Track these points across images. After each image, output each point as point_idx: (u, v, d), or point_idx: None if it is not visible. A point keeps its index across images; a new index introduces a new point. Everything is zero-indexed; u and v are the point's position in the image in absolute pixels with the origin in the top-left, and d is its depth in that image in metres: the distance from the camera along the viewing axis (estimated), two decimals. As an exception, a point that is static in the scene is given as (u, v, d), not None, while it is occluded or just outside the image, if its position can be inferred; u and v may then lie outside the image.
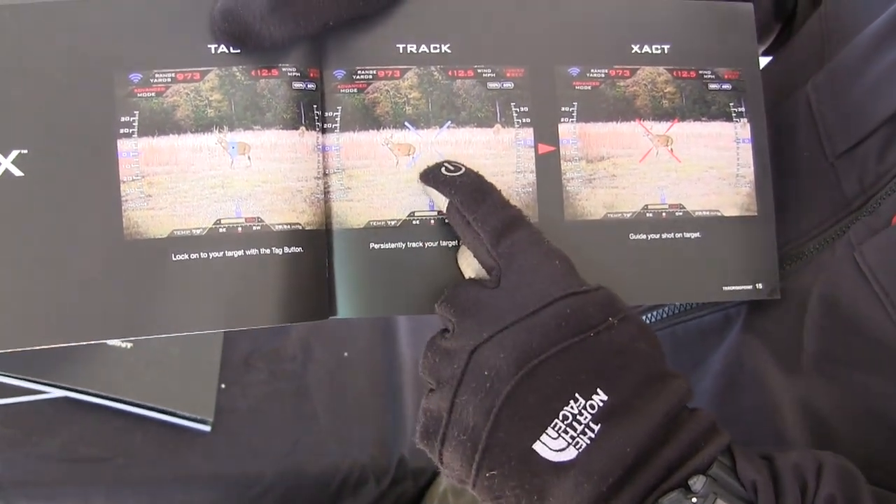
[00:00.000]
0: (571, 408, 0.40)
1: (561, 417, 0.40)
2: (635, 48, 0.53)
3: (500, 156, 0.50)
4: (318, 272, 0.48)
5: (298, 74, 0.48)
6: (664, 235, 0.52)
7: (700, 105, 0.53)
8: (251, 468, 0.85)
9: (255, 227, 0.47)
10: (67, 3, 0.46)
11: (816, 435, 0.52)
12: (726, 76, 0.54)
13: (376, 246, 0.49)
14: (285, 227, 0.47)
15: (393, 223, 0.49)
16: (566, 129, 0.51)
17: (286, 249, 0.47)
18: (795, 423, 0.53)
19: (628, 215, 0.52)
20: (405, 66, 0.50)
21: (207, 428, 0.86)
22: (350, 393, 0.92)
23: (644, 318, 0.65)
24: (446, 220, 0.47)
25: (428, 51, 0.50)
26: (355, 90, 0.49)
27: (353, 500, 0.87)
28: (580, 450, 0.39)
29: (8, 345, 0.45)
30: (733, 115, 0.54)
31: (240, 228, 0.47)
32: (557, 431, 0.40)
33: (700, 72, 0.53)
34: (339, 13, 0.47)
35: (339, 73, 0.49)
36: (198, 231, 0.46)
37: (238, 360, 0.91)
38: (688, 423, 0.41)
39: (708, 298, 0.54)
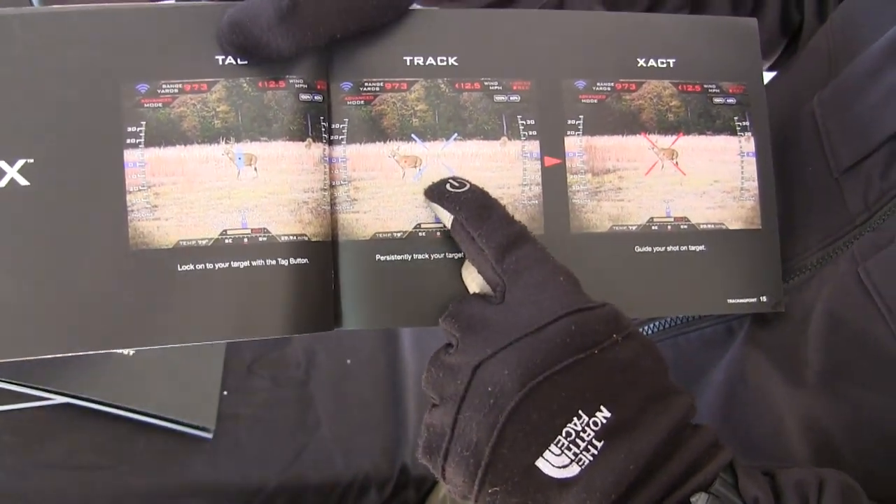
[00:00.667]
0: (575, 425, 0.40)
1: (564, 434, 0.40)
2: (641, 62, 0.53)
3: (507, 168, 0.50)
4: (323, 283, 0.48)
5: (306, 86, 0.48)
6: (669, 248, 0.52)
7: (705, 119, 0.53)
8: (253, 477, 0.85)
9: (261, 238, 0.47)
10: (76, 13, 0.46)
11: (819, 450, 0.52)
12: (731, 90, 0.54)
13: (382, 258, 0.49)
14: (291, 238, 0.47)
15: (399, 235, 0.49)
16: (572, 142, 0.51)
17: (292, 260, 0.47)
18: (798, 437, 0.53)
19: (634, 228, 0.52)
20: (412, 79, 0.50)
21: (209, 436, 0.86)
22: (353, 401, 0.92)
23: (646, 328, 0.65)
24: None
25: (435, 63, 0.50)
26: (362, 102, 0.49)
27: (355, 509, 0.87)
28: (583, 467, 0.39)
29: (14, 354, 0.45)
30: (738, 129, 0.54)
31: (246, 239, 0.47)
32: (561, 448, 0.40)
33: (705, 86, 0.53)
34: (347, 26, 0.47)
35: (347, 86, 0.49)
36: (204, 242, 0.46)
37: (241, 368, 0.91)
38: (690, 440, 0.41)
39: (712, 311, 0.54)
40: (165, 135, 0.46)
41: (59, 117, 0.45)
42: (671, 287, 0.52)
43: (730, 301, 0.53)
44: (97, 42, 0.46)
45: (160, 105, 0.46)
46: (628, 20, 0.54)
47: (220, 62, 0.47)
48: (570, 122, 0.51)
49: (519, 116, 0.51)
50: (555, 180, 0.51)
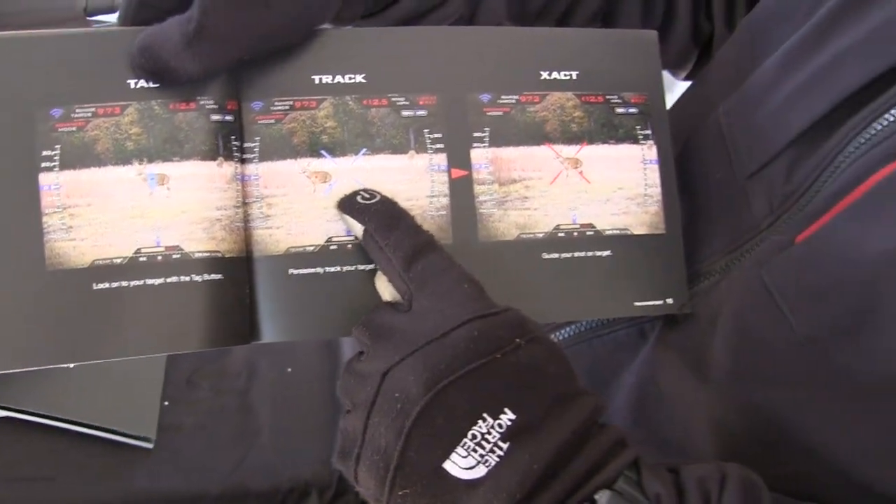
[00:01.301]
0: (480, 427, 0.41)
1: (470, 437, 0.41)
2: (544, 75, 0.55)
3: (415, 181, 0.52)
4: (238, 298, 0.49)
5: (216, 107, 0.49)
6: (576, 254, 0.54)
7: (608, 128, 0.55)
8: (195, 486, 0.85)
9: (174, 256, 0.48)
10: None
11: (726, 448, 0.53)
12: (633, 100, 0.56)
13: (295, 271, 0.50)
14: (205, 254, 0.48)
15: (311, 249, 0.50)
16: (478, 154, 0.53)
17: (206, 277, 0.48)
18: (706, 437, 0.55)
19: (541, 235, 0.53)
20: (321, 97, 0.51)
21: (150, 446, 0.86)
22: (294, 409, 0.92)
23: (560, 332, 0.66)
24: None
25: (343, 81, 0.52)
26: (273, 121, 0.51)
27: (296, 515, 0.88)
28: (490, 467, 0.40)
29: None
30: (640, 137, 0.56)
31: (160, 257, 0.48)
32: (467, 450, 0.41)
33: (607, 97, 0.55)
34: (255, 48, 0.48)
35: (257, 105, 0.51)
36: (118, 260, 0.47)
37: (181, 378, 0.91)
38: (595, 439, 0.42)
39: (620, 314, 0.56)
40: (80, 157, 0.47)
41: None
42: (579, 292, 0.54)
43: (636, 304, 0.55)
44: (11, 68, 0.47)
45: (74, 129, 0.47)
46: (532, 34, 0.55)
47: (133, 86, 0.48)
48: (475, 134, 0.53)
49: (426, 130, 0.52)
50: (462, 191, 0.52)
